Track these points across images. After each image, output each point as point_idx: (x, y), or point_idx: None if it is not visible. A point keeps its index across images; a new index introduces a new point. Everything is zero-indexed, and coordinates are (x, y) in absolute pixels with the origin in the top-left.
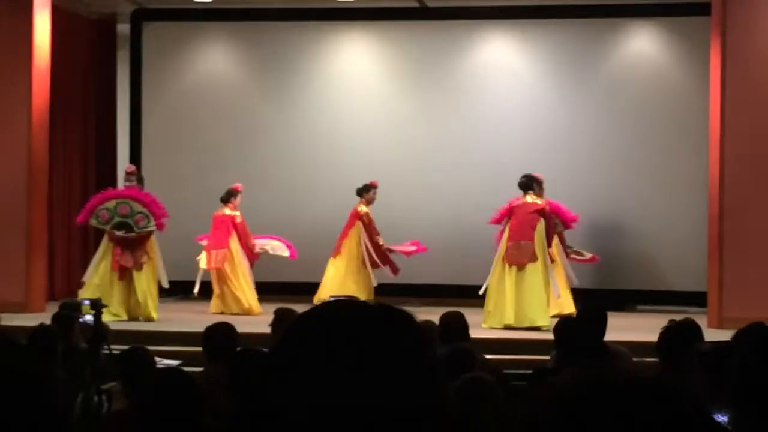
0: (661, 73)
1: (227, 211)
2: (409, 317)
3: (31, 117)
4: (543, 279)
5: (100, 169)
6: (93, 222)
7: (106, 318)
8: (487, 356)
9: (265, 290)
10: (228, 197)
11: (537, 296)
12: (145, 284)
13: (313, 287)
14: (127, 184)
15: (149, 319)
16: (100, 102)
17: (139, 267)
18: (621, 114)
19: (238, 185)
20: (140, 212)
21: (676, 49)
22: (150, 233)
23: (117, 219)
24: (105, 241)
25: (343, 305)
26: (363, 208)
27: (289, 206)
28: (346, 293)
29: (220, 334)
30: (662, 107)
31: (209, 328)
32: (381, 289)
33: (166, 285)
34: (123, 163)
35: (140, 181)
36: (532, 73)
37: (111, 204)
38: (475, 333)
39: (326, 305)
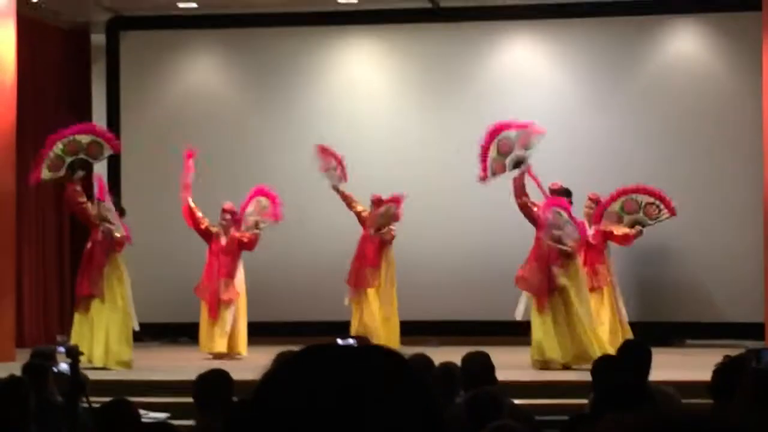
0: (707, 77)
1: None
2: (403, 363)
3: None
4: None
5: None
6: (45, 174)
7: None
8: (517, 401)
9: (270, 331)
10: None
11: None
12: (105, 320)
13: (326, 326)
14: None
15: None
16: (73, 122)
17: (99, 293)
18: (662, 124)
19: (225, 204)
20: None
21: (724, 49)
22: (120, 241)
23: (69, 159)
24: None
25: (326, 350)
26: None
27: (289, 234)
28: None
29: (214, 383)
30: (709, 115)
31: (202, 376)
32: None
33: (136, 327)
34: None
35: (121, 212)
36: (559, 80)
37: (57, 147)
38: (502, 375)
39: (313, 348)
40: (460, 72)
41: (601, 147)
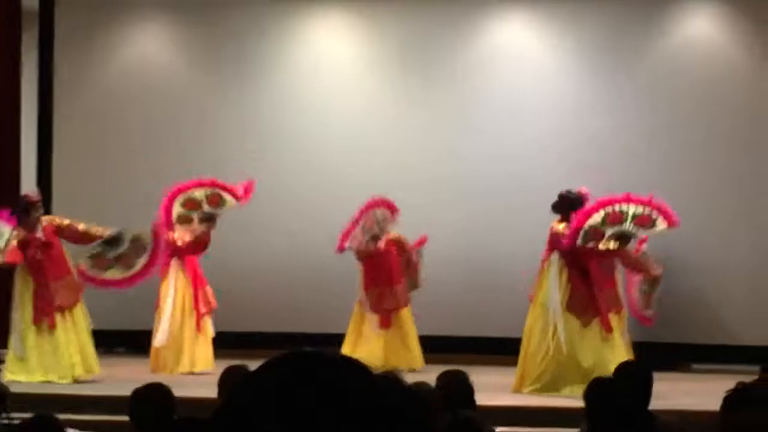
0: (723, 64)
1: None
2: (388, 380)
3: None
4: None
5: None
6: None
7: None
8: (499, 429)
9: (235, 343)
10: None
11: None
12: (83, 329)
13: (303, 338)
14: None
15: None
16: None
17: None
18: (671, 118)
19: None
20: None
21: (743, 34)
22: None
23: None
24: (20, 284)
25: (301, 361)
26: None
27: (249, 235)
28: None
29: (153, 399)
30: (724, 108)
31: (138, 392)
32: None
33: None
34: (29, 180)
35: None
36: (558, 64)
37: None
38: (484, 398)
39: (281, 361)
40: (445, 51)
41: (602, 142)
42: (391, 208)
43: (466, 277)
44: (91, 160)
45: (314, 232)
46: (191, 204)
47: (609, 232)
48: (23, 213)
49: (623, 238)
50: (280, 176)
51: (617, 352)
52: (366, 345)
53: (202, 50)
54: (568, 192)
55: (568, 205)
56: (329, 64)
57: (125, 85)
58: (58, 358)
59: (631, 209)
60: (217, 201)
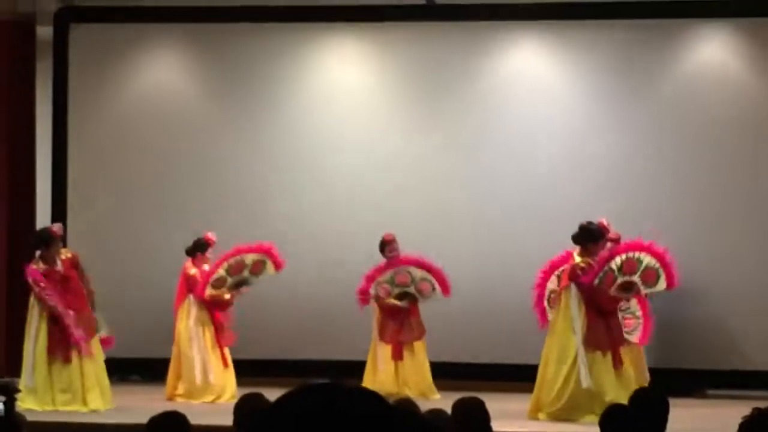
0: (736, 89)
1: (188, 268)
2: (403, 408)
3: None
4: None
5: (15, 215)
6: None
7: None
8: None
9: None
10: (194, 250)
11: None
12: (100, 362)
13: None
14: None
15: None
16: (13, 129)
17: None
18: (684, 143)
19: (210, 235)
20: None
21: (755, 59)
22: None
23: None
24: (35, 315)
25: (319, 392)
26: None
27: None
28: None
29: (168, 428)
30: (737, 133)
31: (154, 420)
32: None
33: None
34: (44, 208)
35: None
36: (570, 90)
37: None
38: (499, 425)
39: (300, 393)
40: (457, 78)
41: (615, 167)
42: (443, 285)
43: (478, 303)
44: (106, 188)
45: (326, 258)
46: (237, 268)
47: (620, 280)
48: (45, 246)
49: (628, 288)
50: (292, 201)
51: (629, 383)
52: (380, 375)
53: (215, 77)
54: (590, 223)
55: (588, 236)
56: (342, 91)
57: (139, 112)
58: (74, 391)
59: (646, 260)
60: (258, 269)
